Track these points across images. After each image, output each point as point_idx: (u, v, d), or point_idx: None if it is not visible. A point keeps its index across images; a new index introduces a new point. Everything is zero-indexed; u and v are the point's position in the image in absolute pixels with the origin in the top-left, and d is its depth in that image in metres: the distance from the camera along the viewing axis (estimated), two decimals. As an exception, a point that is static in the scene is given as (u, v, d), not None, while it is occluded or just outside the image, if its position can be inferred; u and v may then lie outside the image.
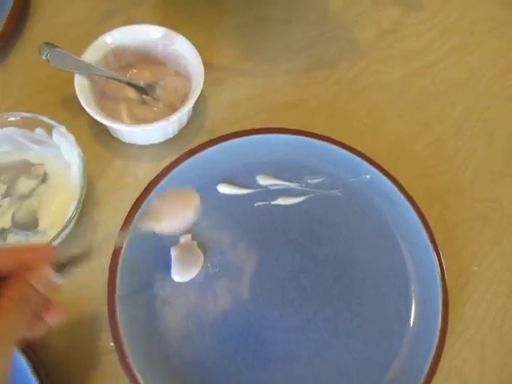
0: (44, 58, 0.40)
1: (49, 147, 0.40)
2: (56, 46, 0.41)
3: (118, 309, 0.36)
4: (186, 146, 0.43)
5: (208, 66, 0.44)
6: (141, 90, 0.44)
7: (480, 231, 0.45)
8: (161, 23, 0.45)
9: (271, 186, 0.43)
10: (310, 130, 0.44)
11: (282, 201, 0.42)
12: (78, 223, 0.41)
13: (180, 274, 0.39)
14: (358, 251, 0.41)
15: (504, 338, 0.41)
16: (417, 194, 0.43)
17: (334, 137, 0.44)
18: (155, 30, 0.44)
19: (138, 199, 0.40)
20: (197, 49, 0.44)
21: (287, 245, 0.41)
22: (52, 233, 0.36)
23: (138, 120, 0.44)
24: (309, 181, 0.43)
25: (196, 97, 0.41)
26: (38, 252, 0.28)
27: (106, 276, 0.37)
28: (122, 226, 0.39)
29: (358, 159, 0.43)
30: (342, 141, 0.44)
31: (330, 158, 0.44)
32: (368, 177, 0.43)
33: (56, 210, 0.39)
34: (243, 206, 0.42)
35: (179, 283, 0.39)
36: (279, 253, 0.41)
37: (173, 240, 0.40)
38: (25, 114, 0.39)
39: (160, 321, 0.38)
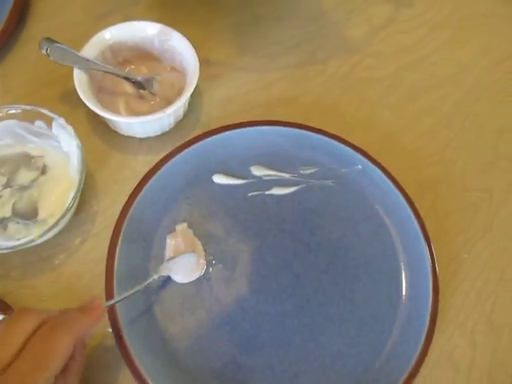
0: (44, 52, 0.41)
1: (48, 139, 0.41)
2: (55, 42, 0.42)
3: (117, 296, 0.37)
4: (183, 139, 0.44)
5: (204, 62, 0.45)
6: (138, 84, 0.45)
7: (470, 220, 0.45)
8: (157, 22, 0.46)
9: (265, 176, 0.44)
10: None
11: (276, 191, 0.44)
12: (77, 213, 0.42)
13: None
14: (350, 240, 0.42)
15: (494, 325, 0.41)
16: (408, 185, 0.44)
17: (327, 130, 0.45)
18: (152, 26, 0.45)
19: (134, 190, 0.41)
20: (193, 46, 0.45)
21: (281, 233, 0.42)
22: (51, 222, 0.37)
23: (135, 114, 0.45)
24: (302, 171, 0.45)
25: (191, 90, 0.43)
26: (93, 318, 0.32)
27: (103, 264, 0.38)
28: (120, 216, 0.40)
29: (350, 150, 0.44)
30: (335, 134, 0.45)
31: (323, 149, 0.45)
32: (360, 167, 0.44)
33: (55, 200, 0.40)
34: (238, 196, 0.43)
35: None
36: (273, 241, 0.42)
37: (169, 228, 0.41)
38: (25, 107, 0.40)
39: (156, 306, 0.39)
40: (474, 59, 0.54)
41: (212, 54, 0.51)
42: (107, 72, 0.44)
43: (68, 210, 0.37)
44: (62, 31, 0.50)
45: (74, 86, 0.42)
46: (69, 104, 0.46)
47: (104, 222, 0.42)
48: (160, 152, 0.44)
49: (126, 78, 0.45)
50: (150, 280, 0.37)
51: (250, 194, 0.43)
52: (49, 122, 0.40)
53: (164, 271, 0.39)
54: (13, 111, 0.40)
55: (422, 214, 0.42)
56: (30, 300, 0.39)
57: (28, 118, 0.40)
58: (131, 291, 0.36)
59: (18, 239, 0.36)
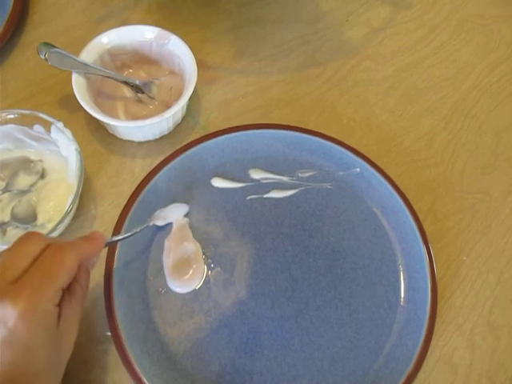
0: (42, 57, 0.41)
1: (47, 144, 0.42)
2: (54, 46, 0.42)
3: (115, 299, 0.37)
4: (181, 143, 0.44)
5: (202, 65, 0.46)
6: (136, 88, 0.45)
7: (469, 222, 0.45)
8: (155, 26, 0.46)
9: (263, 179, 0.44)
10: (303, 127, 0.45)
11: (274, 194, 0.44)
12: (76, 217, 0.42)
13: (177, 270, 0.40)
14: (348, 242, 0.42)
15: (492, 326, 0.41)
16: (407, 187, 0.44)
17: (326, 133, 0.45)
18: (150, 30, 0.46)
19: (133, 194, 0.41)
20: (191, 49, 0.45)
21: (279, 236, 0.42)
22: (50, 226, 0.38)
23: (133, 118, 0.45)
24: (300, 174, 0.45)
25: (189, 93, 0.43)
26: (95, 246, 0.34)
27: (102, 267, 0.38)
28: (118, 221, 0.40)
29: (348, 153, 0.44)
30: (335, 136, 0.45)
31: (321, 152, 0.45)
32: (358, 170, 0.44)
33: (54, 205, 0.40)
34: (237, 199, 0.43)
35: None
36: (271, 244, 0.42)
37: (168, 231, 0.42)
38: (23, 111, 0.40)
39: (155, 310, 0.39)
40: (473, 61, 0.54)
41: (210, 57, 0.51)
42: (106, 76, 0.44)
43: (67, 214, 0.38)
44: (60, 36, 0.50)
45: (72, 90, 0.42)
46: (67, 108, 0.47)
47: (102, 225, 0.42)
48: (158, 156, 0.45)
49: (125, 82, 0.45)
50: (144, 226, 0.39)
51: (248, 198, 0.43)
52: (47, 126, 0.40)
53: (157, 220, 0.40)
54: (11, 116, 0.40)
55: (420, 216, 0.42)
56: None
57: (27, 122, 0.41)
58: (128, 234, 0.38)
59: (17, 244, 0.37)
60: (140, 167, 0.45)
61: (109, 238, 0.37)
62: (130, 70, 0.48)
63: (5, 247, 0.36)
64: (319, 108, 0.50)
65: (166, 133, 0.46)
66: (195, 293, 0.40)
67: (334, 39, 0.54)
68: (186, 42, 0.45)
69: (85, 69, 0.43)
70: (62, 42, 0.44)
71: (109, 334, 0.37)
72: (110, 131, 0.45)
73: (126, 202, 0.41)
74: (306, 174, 0.45)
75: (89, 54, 0.44)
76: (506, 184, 0.47)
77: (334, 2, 0.56)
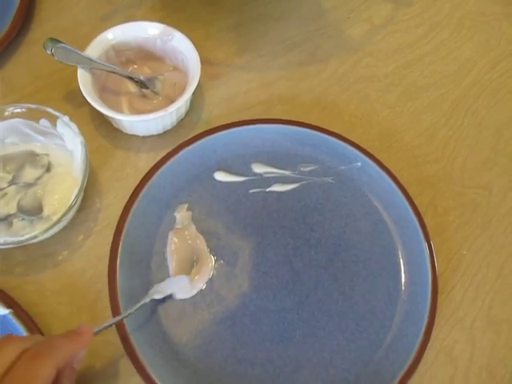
0: (49, 52, 0.42)
1: (53, 138, 0.42)
2: (60, 42, 0.43)
3: (119, 291, 0.38)
4: (185, 138, 0.45)
5: (205, 61, 0.46)
6: (141, 83, 0.46)
7: (470, 217, 0.46)
8: (159, 22, 0.47)
9: (266, 173, 0.45)
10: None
11: (276, 188, 0.44)
12: (80, 210, 0.42)
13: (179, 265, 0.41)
14: (349, 236, 0.43)
15: (493, 320, 0.42)
16: (408, 182, 0.45)
17: (327, 128, 0.46)
18: (154, 26, 0.46)
19: (137, 187, 0.42)
20: (194, 45, 0.45)
21: (281, 230, 0.43)
22: (55, 218, 0.38)
23: (138, 112, 0.46)
24: (302, 169, 0.45)
25: (193, 89, 0.43)
26: (78, 343, 0.32)
27: (106, 260, 0.39)
28: (122, 213, 0.40)
29: (350, 147, 0.44)
30: (335, 131, 0.45)
31: (323, 147, 0.45)
32: (359, 164, 0.44)
33: (60, 198, 0.41)
34: (239, 193, 0.44)
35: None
36: (273, 237, 0.42)
37: (171, 224, 0.42)
38: (30, 106, 0.41)
39: (158, 303, 0.39)
40: (473, 57, 0.54)
41: (213, 53, 0.52)
42: (110, 71, 0.45)
43: (72, 206, 0.38)
44: (66, 32, 0.51)
45: (77, 86, 0.42)
46: (73, 103, 0.47)
47: (107, 218, 0.43)
48: (162, 150, 0.45)
49: (129, 78, 0.46)
50: (140, 304, 0.37)
51: (250, 191, 0.44)
52: (53, 120, 0.41)
53: (155, 295, 0.38)
54: (18, 110, 0.41)
55: (421, 210, 0.43)
56: (33, 295, 0.40)
57: (33, 116, 0.41)
58: (122, 315, 0.36)
59: (23, 235, 0.37)
60: (144, 161, 0.45)
61: (97, 326, 0.34)
62: (135, 66, 0.49)
63: (10, 239, 0.37)
64: (321, 104, 0.50)
65: (169, 127, 0.46)
66: (198, 285, 0.40)
67: (336, 36, 0.55)
68: (189, 38, 0.46)
69: (90, 64, 0.43)
70: (67, 38, 0.44)
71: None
72: (115, 126, 0.46)
73: (130, 195, 0.41)
74: (308, 168, 0.45)
75: (94, 49, 0.44)
76: (507, 179, 0.48)
77: (335, -1, 0.57)
